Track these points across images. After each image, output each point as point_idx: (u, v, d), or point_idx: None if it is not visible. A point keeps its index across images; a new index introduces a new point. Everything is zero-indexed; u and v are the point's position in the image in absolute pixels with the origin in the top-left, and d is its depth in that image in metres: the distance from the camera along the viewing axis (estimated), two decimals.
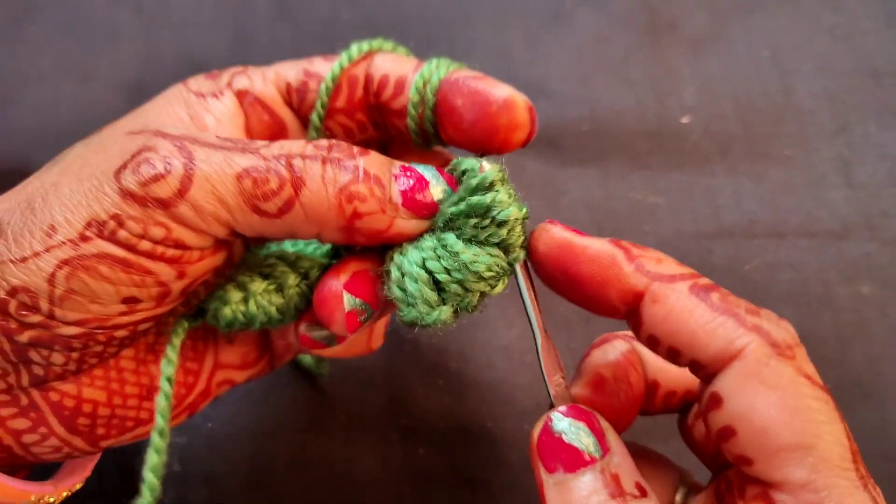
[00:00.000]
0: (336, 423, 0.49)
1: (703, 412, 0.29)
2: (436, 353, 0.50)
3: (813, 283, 0.52)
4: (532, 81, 0.59)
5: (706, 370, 0.28)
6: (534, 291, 0.32)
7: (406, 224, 0.31)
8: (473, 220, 0.31)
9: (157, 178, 0.29)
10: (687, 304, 0.28)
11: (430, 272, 0.31)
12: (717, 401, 0.28)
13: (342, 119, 0.37)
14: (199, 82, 0.36)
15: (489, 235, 0.31)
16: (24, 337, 0.30)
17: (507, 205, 0.31)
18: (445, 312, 0.31)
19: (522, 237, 0.31)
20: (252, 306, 0.34)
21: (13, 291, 0.29)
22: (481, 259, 0.31)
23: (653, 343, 0.29)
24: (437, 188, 0.31)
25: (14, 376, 0.31)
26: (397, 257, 0.32)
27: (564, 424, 0.30)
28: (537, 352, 0.32)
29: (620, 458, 0.29)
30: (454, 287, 0.31)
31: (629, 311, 0.30)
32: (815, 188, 0.55)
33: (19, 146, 0.59)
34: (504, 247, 0.31)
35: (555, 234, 0.30)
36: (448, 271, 0.31)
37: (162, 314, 0.33)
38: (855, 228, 0.53)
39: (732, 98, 0.58)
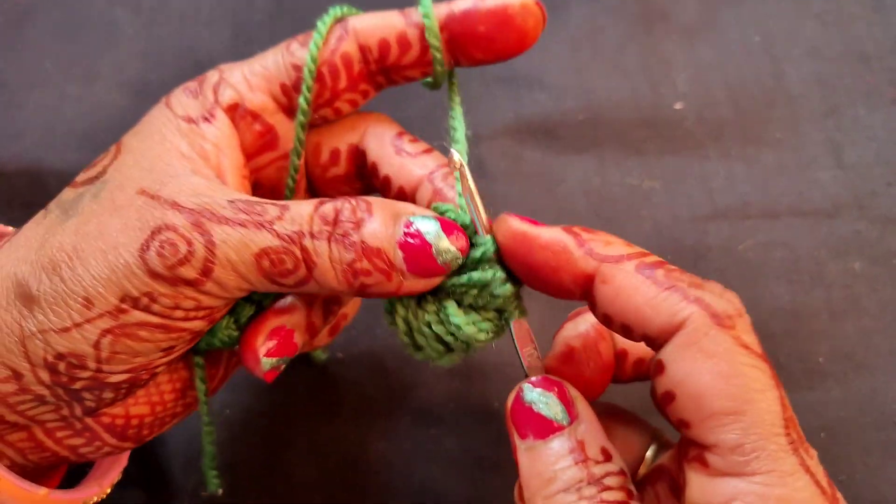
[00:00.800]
0: (348, 408, 0.50)
1: (651, 378, 0.31)
2: None
3: (805, 260, 0.53)
4: (529, 73, 0.61)
5: (656, 343, 0.30)
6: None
7: (416, 284, 0.33)
8: (474, 292, 0.33)
9: (181, 263, 0.30)
10: (633, 282, 0.30)
11: (435, 334, 0.34)
12: (660, 367, 0.29)
13: (348, 97, 0.38)
14: (183, 103, 0.36)
15: (487, 303, 0.33)
16: (76, 386, 0.32)
17: (504, 281, 0.33)
18: (455, 358, 0.35)
19: (516, 302, 0.34)
20: (215, 340, 0.36)
21: (60, 356, 0.31)
22: (480, 326, 0.33)
23: (607, 321, 0.31)
24: (441, 252, 0.32)
25: (68, 409, 0.34)
26: (401, 311, 0.34)
27: (534, 394, 0.32)
28: (510, 329, 0.34)
29: (587, 425, 0.31)
30: (459, 345, 0.34)
31: (584, 293, 0.31)
32: (806, 170, 0.56)
33: (26, 148, 0.60)
34: (499, 311, 0.34)
35: (511, 226, 0.32)
36: (452, 334, 0.34)
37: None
38: (845, 207, 0.55)
39: (724, 84, 0.60)
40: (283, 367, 0.36)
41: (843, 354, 0.51)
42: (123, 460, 0.41)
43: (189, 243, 0.31)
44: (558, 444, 0.30)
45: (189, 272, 0.31)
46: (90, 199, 0.33)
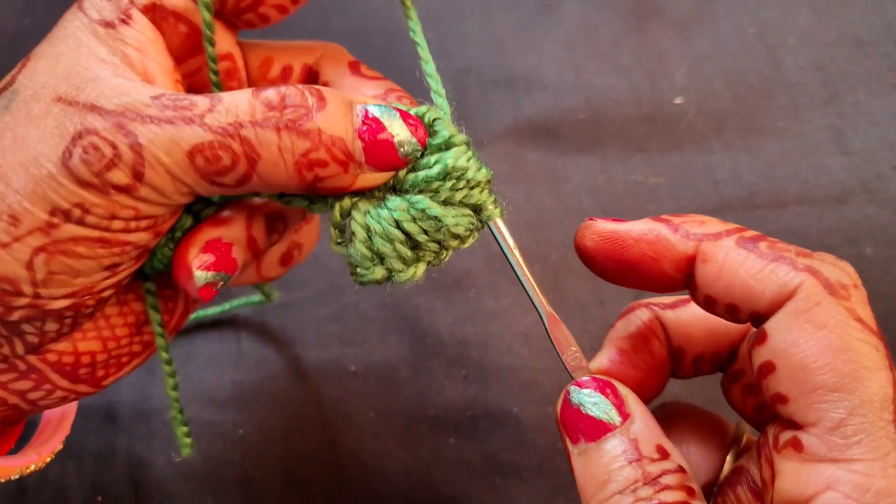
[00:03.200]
0: (364, 418, 0.50)
1: (749, 349, 0.29)
2: (457, 345, 0.51)
3: (817, 247, 0.52)
4: (527, 74, 0.60)
5: (764, 320, 0.28)
6: (523, 267, 0.33)
7: (371, 178, 0.31)
8: (449, 183, 0.31)
9: (108, 167, 0.28)
10: (736, 258, 0.28)
11: (406, 233, 0.31)
12: (762, 337, 0.28)
13: (274, 1, 0.34)
14: (97, 5, 0.32)
15: (464, 197, 0.31)
16: (14, 317, 0.30)
17: (480, 167, 0.32)
18: (420, 269, 0.32)
19: (493, 196, 0.32)
20: (155, 261, 0.34)
21: None
22: (461, 221, 0.31)
23: (711, 304, 0.30)
24: (402, 147, 0.30)
25: (8, 347, 0.31)
26: (359, 217, 0.31)
27: (582, 396, 0.31)
28: (546, 332, 0.33)
29: (641, 423, 0.30)
30: (432, 245, 0.31)
31: (686, 279, 0.30)
32: (811, 157, 0.56)
33: None
34: (475, 207, 0.32)
35: (598, 228, 0.31)
36: (426, 231, 0.31)
37: (140, 265, 0.33)
38: (853, 193, 0.55)
39: (722, 76, 0.60)
40: (220, 284, 0.34)
41: None
42: (65, 427, 0.39)
43: (114, 146, 0.28)
44: (611, 445, 0.29)
45: (119, 177, 0.28)
46: (1, 112, 0.30)
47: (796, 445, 0.27)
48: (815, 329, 0.26)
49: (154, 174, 0.28)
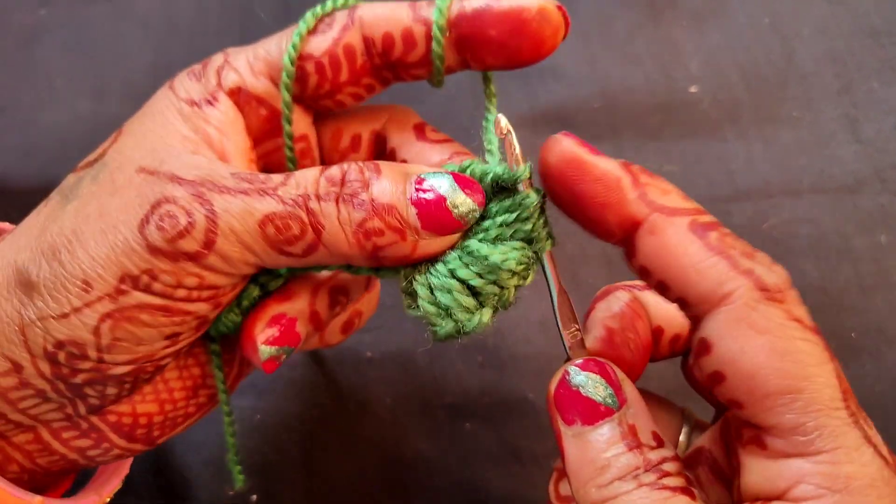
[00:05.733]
0: (382, 405, 0.50)
1: (695, 357, 0.29)
2: None
3: (831, 236, 0.53)
4: (542, 64, 0.59)
5: (693, 309, 0.28)
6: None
7: (431, 245, 0.31)
8: (497, 221, 0.31)
9: (182, 235, 0.29)
10: (682, 241, 0.28)
11: (461, 280, 0.31)
12: (706, 346, 0.28)
13: (350, 90, 0.35)
14: (186, 86, 0.34)
15: (514, 233, 0.31)
16: (78, 379, 0.31)
17: (528, 193, 0.31)
18: (486, 314, 0.31)
19: (546, 226, 0.32)
20: (219, 324, 0.35)
21: (59, 345, 0.30)
22: (510, 256, 0.31)
23: (644, 274, 0.29)
24: (457, 205, 0.30)
25: (71, 408, 0.33)
26: (420, 277, 0.32)
27: (582, 377, 0.30)
28: (552, 304, 0.32)
29: (637, 409, 0.29)
30: (490, 288, 0.31)
31: (624, 238, 0.30)
32: (825, 146, 0.56)
33: (41, 165, 0.60)
34: (528, 239, 0.31)
35: (565, 147, 0.30)
36: (480, 275, 0.31)
37: (200, 334, 0.34)
38: (867, 182, 0.55)
39: (737, 66, 0.60)
40: (283, 357, 0.35)
41: (875, 328, 0.51)
42: (125, 468, 0.40)
43: (189, 214, 0.29)
44: (609, 430, 0.29)
45: (190, 244, 0.29)
46: (89, 182, 0.32)
47: (760, 444, 0.27)
48: (757, 335, 0.27)
49: (225, 242, 0.30)
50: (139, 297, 0.30)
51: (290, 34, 0.35)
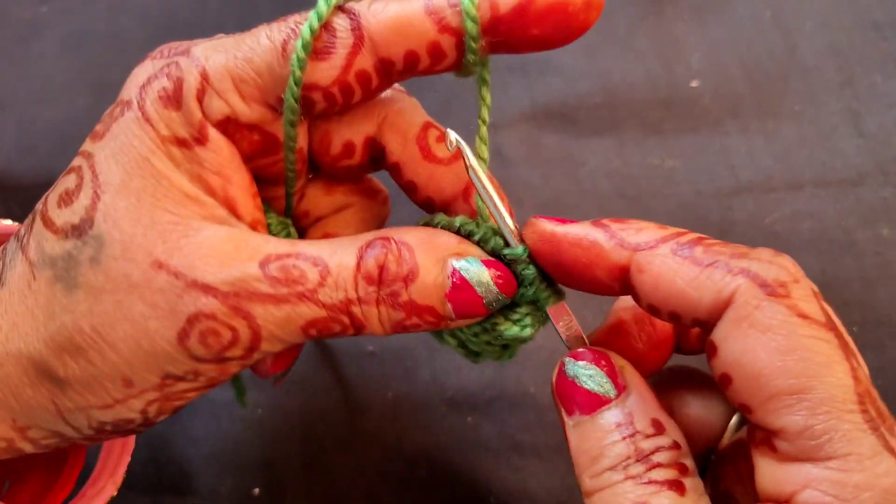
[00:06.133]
0: (383, 400, 0.50)
1: (708, 362, 0.29)
2: None
3: (833, 229, 0.53)
4: (541, 59, 0.60)
5: (710, 326, 0.28)
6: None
7: (460, 323, 0.32)
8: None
9: (227, 348, 0.29)
10: (672, 266, 0.28)
11: (485, 341, 0.33)
12: (713, 349, 0.27)
13: (362, 105, 0.33)
14: (164, 117, 0.29)
15: (520, 300, 0.33)
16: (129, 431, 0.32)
17: (544, 289, 0.32)
18: (514, 351, 0.34)
19: (548, 291, 0.32)
20: None
21: (103, 424, 0.31)
22: (522, 325, 0.32)
23: (654, 312, 0.29)
24: (491, 305, 0.31)
25: (106, 434, 0.33)
26: (448, 332, 0.34)
27: (577, 368, 0.30)
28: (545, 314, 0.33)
29: (637, 396, 0.29)
30: (515, 342, 0.33)
31: (623, 287, 0.30)
32: (827, 140, 0.56)
33: (40, 161, 0.60)
34: (535, 301, 0.33)
35: (538, 228, 0.31)
36: (499, 338, 0.33)
37: None
38: (869, 175, 0.55)
39: (738, 60, 0.59)
40: (287, 374, 0.36)
41: (878, 322, 0.51)
42: (130, 448, 0.41)
43: (232, 329, 0.29)
44: (605, 419, 0.29)
45: (235, 352, 0.29)
46: (90, 265, 0.29)
47: (770, 446, 0.26)
48: (759, 334, 0.26)
49: (268, 345, 0.30)
50: (185, 385, 0.30)
51: (281, 53, 0.30)
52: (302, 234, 0.37)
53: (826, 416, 0.25)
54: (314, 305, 0.29)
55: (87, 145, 0.31)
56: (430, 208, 0.35)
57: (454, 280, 0.30)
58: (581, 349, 0.31)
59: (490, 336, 0.33)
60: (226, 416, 0.50)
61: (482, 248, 0.32)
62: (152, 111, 0.29)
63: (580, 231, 0.30)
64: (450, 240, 0.32)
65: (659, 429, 0.29)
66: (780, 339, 0.25)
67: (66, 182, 0.30)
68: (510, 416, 0.49)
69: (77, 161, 0.30)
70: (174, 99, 0.29)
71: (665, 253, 0.28)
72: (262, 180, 0.34)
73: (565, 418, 0.30)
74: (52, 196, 0.30)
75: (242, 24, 0.62)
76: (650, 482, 0.27)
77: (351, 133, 0.34)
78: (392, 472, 0.48)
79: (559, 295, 0.33)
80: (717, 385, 0.35)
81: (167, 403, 0.31)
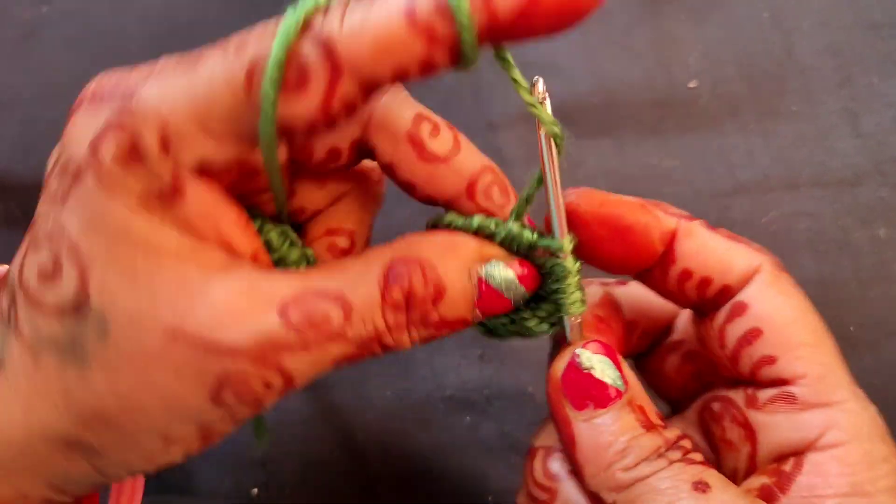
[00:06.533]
0: (382, 398, 0.50)
1: (723, 324, 0.31)
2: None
3: (830, 229, 0.53)
4: (540, 59, 0.61)
5: (730, 292, 0.31)
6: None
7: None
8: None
9: (262, 397, 0.28)
10: (710, 235, 0.32)
11: (511, 331, 0.33)
12: (741, 308, 0.31)
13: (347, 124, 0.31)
14: (131, 178, 0.26)
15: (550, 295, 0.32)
16: None
17: (574, 290, 0.31)
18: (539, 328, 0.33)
19: (579, 294, 0.31)
20: None
21: (145, 470, 0.30)
22: (547, 324, 0.32)
23: (685, 277, 0.32)
24: (516, 302, 0.31)
25: None
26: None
27: (594, 360, 0.30)
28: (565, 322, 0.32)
29: (638, 391, 0.30)
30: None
31: (664, 253, 0.32)
32: (825, 140, 0.56)
33: (41, 161, 0.59)
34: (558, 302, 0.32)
35: (597, 194, 0.32)
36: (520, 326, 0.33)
37: None
38: (867, 175, 0.55)
39: (736, 60, 0.60)
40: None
41: (874, 322, 0.51)
42: (140, 487, 0.40)
43: (265, 381, 0.27)
44: (621, 413, 0.29)
45: (270, 398, 0.28)
46: (99, 343, 0.27)
47: (788, 399, 0.30)
48: (785, 297, 0.31)
49: (301, 383, 0.28)
50: (225, 427, 0.29)
51: (246, 88, 0.25)
52: (300, 230, 0.35)
53: (836, 367, 0.30)
54: (343, 344, 0.28)
55: (50, 208, 0.28)
56: (432, 204, 0.33)
57: (481, 290, 0.30)
58: (594, 341, 0.31)
59: (515, 327, 0.33)
60: None
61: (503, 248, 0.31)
62: (116, 172, 0.26)
63: (634, 199, 0.32)
64: (470, 243, 0.30)
65: (664, 421, 0.30)
66: (797, 302, 0.31)
67: (40, 256, 0.28)
68: (508, 415, 0.49)
69: (44, 227, 0.28)
70: (134, 156, 0.26)
71: (702, 226, 0.32)
72: (248, 195, 0.32)
73: (571, 413, 0.29)
74: (29, 268, 0.28)
75: (244, 23, 0.63)
76: (693, 463, 0.28)
77: (334, 139, 0.32)
78: (391, 471, 0.49)
79: (584, 303, 0.32)
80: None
81: (207, 443, 0.30)
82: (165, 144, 0.26)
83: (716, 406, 0.33)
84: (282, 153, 0.31)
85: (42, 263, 0.27)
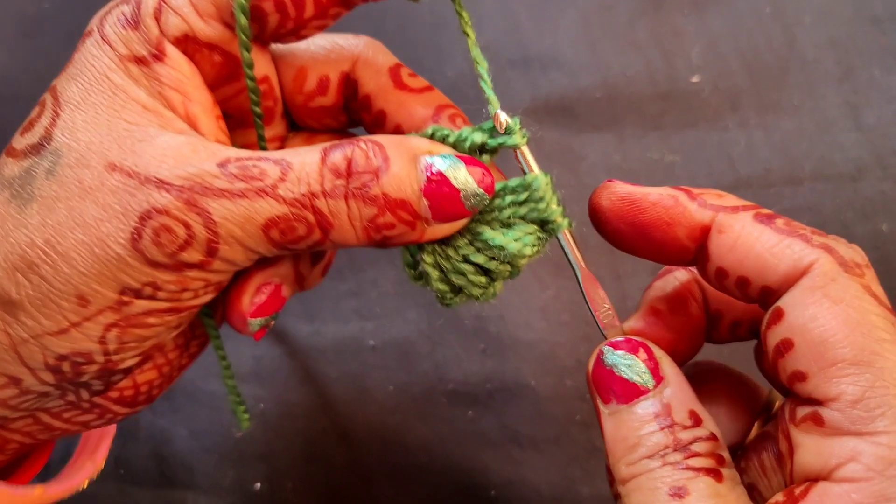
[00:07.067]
0: (384, 392, 0.50)
1: (766, 328, 0.29)
2: (475, 319, 0.52)
3: (832, 223, 0.53)
4: (543, 53, 0.61)
5: (775, 295, 0.28)
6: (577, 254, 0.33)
7: (439, 230, 0.30)
8: (510, 210, 0.31)
9: (182, 248, 0.28)
10: (752, 231, 0.28)
11: (474, 264, 0.31)
12: (778, 315, 0.28)
13: (316, 23, 0.32)
14: (121, 36, 0.29)
15: (526, 214, 0.31)
16: (84, 378, 0.30)
17: (547, 191, 0.31)
18: (497, 287, 0.32)
19: (560, 207, 0.32)
20: None
21: (62, 357, 0.29)
22: (525, 241, 0.31)
23: (721, 276, 0.29)
24: (469, 200, 0.30)
25: (74, 396, 0.32)
26: (429, 258, 0.31)
27: (616, 357, 0.30)
28: (580, 288, 0.32)
29: (675, 387, 0.30)
30: (503, 269, 0.31)
31: (698, 249, 0.30)
32: (826, 133, 0.56)
33: None
34: (540, 221, 0.31)
35: (616, 189, 0.31)
36: (494, 258, 0.31)
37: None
38: (868, 169, 0.55)
39: (738, 54, 0.60)
40: (272, 324, 0.34)
41: None
42: (111, 432, 0.40)
43: (187, 226, 0.27)
44: (643, 409, 0.29)
45: (193, 256, 0.28)
46: (45, 177, 0.28)
47: (817, 420, 0.27)
48: (832, 304, 0.26)
49: (228, 249, 0.28)
50: (144, 304, 0.29)
51: None
52: None
53: (884, 391, 0.25)
54: (274, 201, 0.28)
55: (55, 81, 0.31)
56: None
57: (429, 174, 0.29)
58: (620, 338, 0.31)
59: (483, 257, 0.31)
60: (227, 409, 0.50)
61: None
62: (111, 33, 0.30)
63: (663, 191, 0.30)
64: (421, 142, 0.31)
65: (696, 420, 0.29)
66: (852, 311, 0.26)
67: (31, 114, 0.30)
68: (510, 409, 0.49)
69: (43, 96, 0.31)
70: (132, 20, 0.30)
71: (747, 218, 0.29)
72: (232, 119, 0.34)
73: (601, 406, 0.30)
74: (19, 129, 0.30)
75: None
76: (688, 468, 0.28)
77: (327, 69, 0.34)
78: (393, 465, 0.49)
79: (569, 219, 0.32)
80: (745, 384, 0.35)
81: (127, 331, 0.29)
82: (158, 13, 0.30)
83: (779, 414, 0.31)
84: (267, 67, 0.33)
85: (28, 119, 0.30)
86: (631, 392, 0.30)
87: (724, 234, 0.29)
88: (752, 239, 0.28)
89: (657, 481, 0.28)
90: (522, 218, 0.31)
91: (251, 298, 0.33)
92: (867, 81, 0.58)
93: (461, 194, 0.29)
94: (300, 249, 0.30)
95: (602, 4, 0.62)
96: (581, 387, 0.50)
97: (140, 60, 0.29)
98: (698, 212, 0.30)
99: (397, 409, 0.50)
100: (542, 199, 0.31)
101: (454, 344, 0.51)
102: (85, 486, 0.38)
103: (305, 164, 0.28)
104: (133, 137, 0.28)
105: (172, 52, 0.30)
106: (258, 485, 0.49)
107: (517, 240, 0.31)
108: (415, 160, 0.29)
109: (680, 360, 0.32)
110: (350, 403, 0.50)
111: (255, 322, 0.33)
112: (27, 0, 0.67)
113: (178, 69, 0.30)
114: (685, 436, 0.29)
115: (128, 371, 0.32)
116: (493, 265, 0.31)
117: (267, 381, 0.51)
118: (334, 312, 0.53)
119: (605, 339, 0.32)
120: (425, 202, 0.29)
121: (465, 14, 0.33)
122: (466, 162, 0.30)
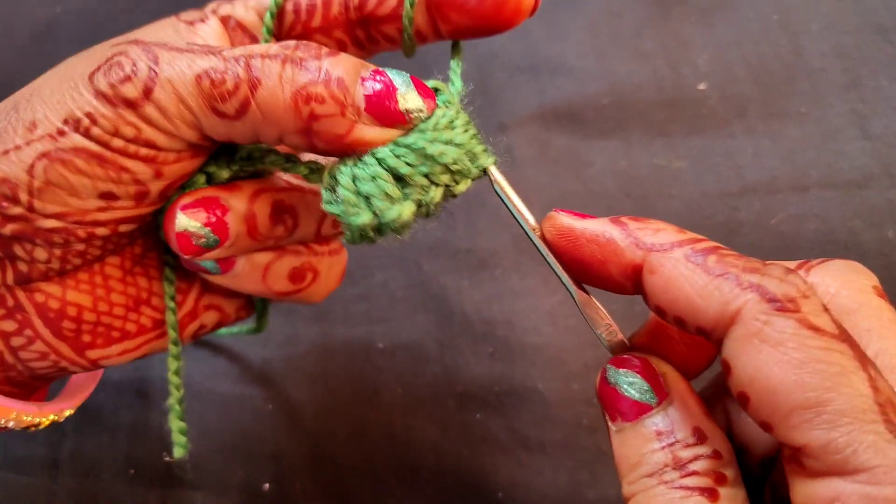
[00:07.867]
0: (392, 394, 0.51)
1: (726, 377, 0.27)
2: (484, 323, 0.52)
3: (839, 231, 0.54)
4: (552, 59, 0.61)
5: (712, 337, 0.27)
6: (530, 221, 0.32)
7: (368, 132, 0.30)
8: (435, 132, 0.31)
9: (124, 80, 0.30)
10: (682, 271, 0.27)
11: (388, 168, 0.30)
12: (727, 367, 0.27)
13: (319, 38, 0.36)
14: (187, 12, 0.36)
15: (448, 142, 0.31)
16: (7, 230, 0.31)
17: (468, 137, 0.31)
18: (407, 207, 0.30)
19: (482, 145, 0.32)
20: (162, 217, 0.35)
21: None
22: (448, 151, 0.30)
23: (661, 314, 0.29)
24: (407, 99, 0.30)
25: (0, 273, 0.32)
26: (345, 168, 0.31)
27: (618, 376, 0.30)
28: (577, 308, 0.32)
29: (679, 404, 0.29)
30: (419, 179, 0.30)
31: (635, 286, 0.30)
32: (833, 142, 0.57)
33: None
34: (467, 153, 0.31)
35: (556, 222, 0.31)
36: (412, 165, 0.30)
37: (143, 215, 0.33)
38: (875, 177, 0.55)
39: (745, 62, 0.60)
40: (202, 242, 0.33)
41: None
42: (78, 398, 0.39)
43: (134, 63, 0.30)
44: (646, 427, 0.29)
45: (130, 91, 0.30)
46: (75, 56, 0.34)
47: (798, 463, 0.26)
48: (771, 349, 0.25)
49: (162, 92, 0.30)
50: (76, 139, 0.30)
51: None
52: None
53: (847, 429, 0.24)
54: (215, 57, 0.31)
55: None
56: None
57: (374, 71, 0.31)
58: (623, 356, 0.31)
59: (410, 158, 0.30)
60: (236, 408, 0.51)
61: None
62: (183, 13, 0.36)
63: (597, 227, 0.30)
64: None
65: (700, 438, 0.28)
66: (792, 352, 0.25)
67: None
68: (518, 412, 0.50)
69: None
70: (202, 8, 0.36)
71: (678, 257, 0.28)
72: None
73: (609, 424, 0.30)
74: None
75: None
76: (682, 487, 0.27)
77: None
78: (401, 468, 0.49)
79: (493, 155, 0.32)
80: None
81: (54, 167, 0.30)
82: (218, 6, 0.36)
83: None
84: None
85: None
86: (634, 410, 0.29)
87: (656, 275, 0.28)
88: (681, 280, 0.27)
89: (651, 500, 0.28)
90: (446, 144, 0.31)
91: (192, 200, 0.34)
92: (874, 90, 0.58)
93: (398, 92, 0.30)
94: (231, 116, 0.31)
95: (610, 12, 0.63)
96: (588, 391, 0.50)
97: (188, 21, 0.35)
98: (629, 250, 0.29)
99: (406, 412, 0.50)
100: (466, 130, 0.31)
101: (463, 347, 0.52)
102: (65, 416, 0.38)
103: (262, 44, 0.33)
104: (146, 31, 0.34)
105: (213, 20, 0.36)
106: (267, 485, 0.49)
107: (440, 148, 0.30)
108: (362, 65, 0.31)
109: (693, 372, 0.32)
110: (359, 405, 0.51)
111: (183, 219, 0.33)
112: (40, 5, 0.67)
113: (213, 30, 0.35)
114: (685, 454, 0.28)
115: (51, 245, 0.32)
116: (407, 170, 0.30)
117: (276, 382, 0.51)
118: (343, 315, 0.53)
119: (612, 354, 0.31)
120: (361, 89, 0.30)
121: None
122: (414, 79, 0.31)
